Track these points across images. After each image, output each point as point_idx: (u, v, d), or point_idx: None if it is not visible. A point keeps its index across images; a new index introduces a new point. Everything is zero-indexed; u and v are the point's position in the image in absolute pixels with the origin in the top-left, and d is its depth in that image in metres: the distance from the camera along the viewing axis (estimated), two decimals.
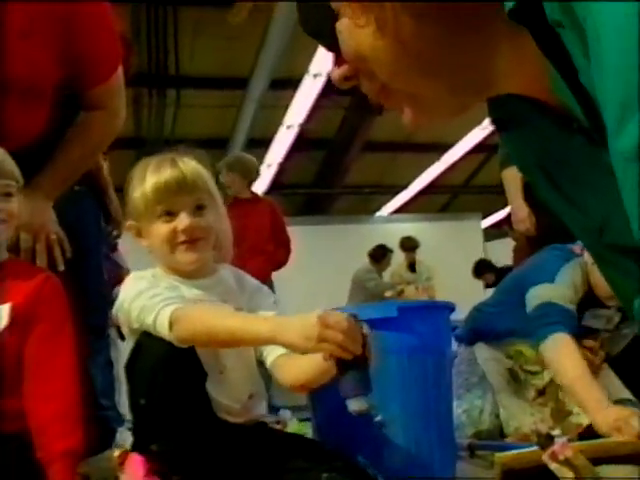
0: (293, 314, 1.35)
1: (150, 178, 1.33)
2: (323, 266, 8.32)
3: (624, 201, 0.48)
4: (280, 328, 1.15)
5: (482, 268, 7.40)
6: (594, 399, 1.68)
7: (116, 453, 1.09)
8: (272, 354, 1.36)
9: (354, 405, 1.13)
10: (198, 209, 1.34)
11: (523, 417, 1.99)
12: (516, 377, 2.15)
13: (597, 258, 0.72)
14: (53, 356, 1.33)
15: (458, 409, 2.04)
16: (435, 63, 0.64)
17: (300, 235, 8.86)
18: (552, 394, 2.06)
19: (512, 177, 3.05)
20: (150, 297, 1.26)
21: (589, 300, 1.97)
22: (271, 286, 4.17)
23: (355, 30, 0.64)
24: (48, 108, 1.67)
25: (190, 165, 1.35)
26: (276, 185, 9.32)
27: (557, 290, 1.92)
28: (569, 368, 1.76)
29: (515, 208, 3.12)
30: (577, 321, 1.91)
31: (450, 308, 1.66)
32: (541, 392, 2.10)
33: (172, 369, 1.22)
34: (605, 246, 0.67)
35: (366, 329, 1.14)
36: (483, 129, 8.10)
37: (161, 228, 1.33)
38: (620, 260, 0.65)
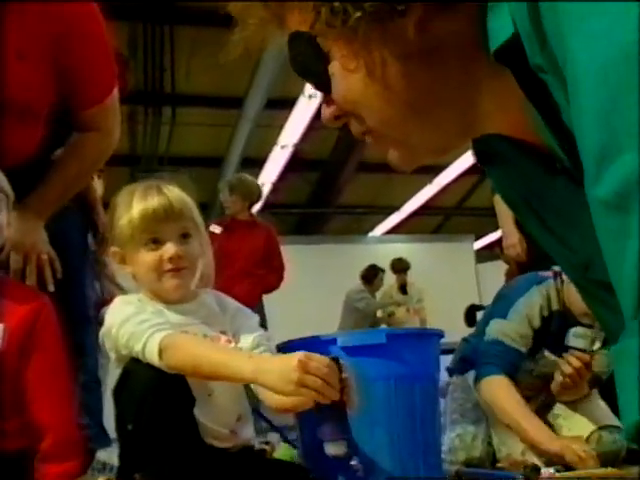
0: (285, 334, 1.37)
1: (137, 205, 1.34)
2: (316, 286, 8.32)
3: (602, 248, 0.49)
4: (262, 370, 1.16)
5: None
6: (541, 433, 1.82)
7: None
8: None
9: (331, 449, 1.15)
10: (184, 237, 1.36)
11: (514, 443, 1.99)
12: None
13: (583, 292, 0.73)
14: (53, 386, 1.36)
15: (451, 433, 2.04)
16: (422, 107, 0.65)
17: (293, 254, 8.86)
18: (541, 419, 2.07)
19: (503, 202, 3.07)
20: (138, 323, 1.26)
21: (568, 319, 2.01)
22: (261, 308, 4.16)
23: (345, 75, 0.64)
24: (42, 128, 1.67)
25: (175, 193, 1.36)
26: (269, 204, 9.33)
27: (505, 326, 1.99)
28: (508, 409, 1.87)
29: (506, 233, 3.14)
30: (520, 358, 1.99)
31: (439, 335, 1.67)
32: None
33: (160, 395, 1.22)
34: (590, 281, 0.68)
35: (346, 373, 1.16)
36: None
37: (147, 256, 1.34)
38: (606, 296, 0.65)
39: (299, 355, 1.13)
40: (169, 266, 1.33)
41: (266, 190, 8.79)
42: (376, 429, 1.44)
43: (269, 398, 1.32)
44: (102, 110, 1.64)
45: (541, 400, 2.13)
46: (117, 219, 1.37)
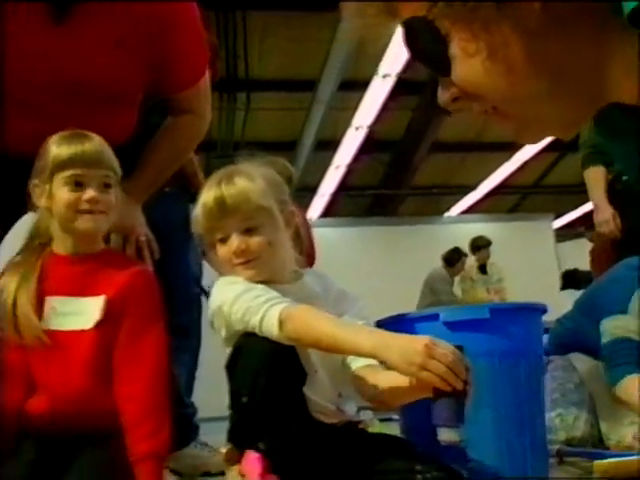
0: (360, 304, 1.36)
1: (201, 199, 1.36)
2: (391, 267, 8.27)
3: None
4: (383, 346, 1.15)
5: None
6: None
7: (223, 450, 1.10)
8: (355, 362, 1.36)
9: (444, 435, 1.13)
10: (248, 231, 1.34)
11: (624, 428, 1.92)
12: None
13: None
14: (141, 353, 1.35)
15: (551, 412, 1.99)
16: (549, 82, 0.63)
17: (368, 236, 8.88)
18: None
19: (595, 176, 2.95)
20: (254, 297, 1.27)
21: None
22: None
23: (466, 58, 0.63)
24: (136, 113, 1.70)
25: (236, 187, 1.33)
26: (344, 186, 9.33)
27: (630, 323, 1.89)
28: None
29: (599, 208, 3.01)
30: None
31: (542, 309, 1.62)
32: None
33: (274, 369, 1.22)
34: None
35: (468, 363, 1.13)
36: None
37: (220, 251, 1.37)
38: None
39: (425, 339, 1.11)
40: (237, 260, 1.34)
41: (340, 172, 8.80)
42: (480, 407, 1.41)
43: (365, 388, 1.33)
44: (195, 92, 1.66)
45: None
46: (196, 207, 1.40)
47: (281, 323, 1.21)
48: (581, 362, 2.14)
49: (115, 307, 1.36)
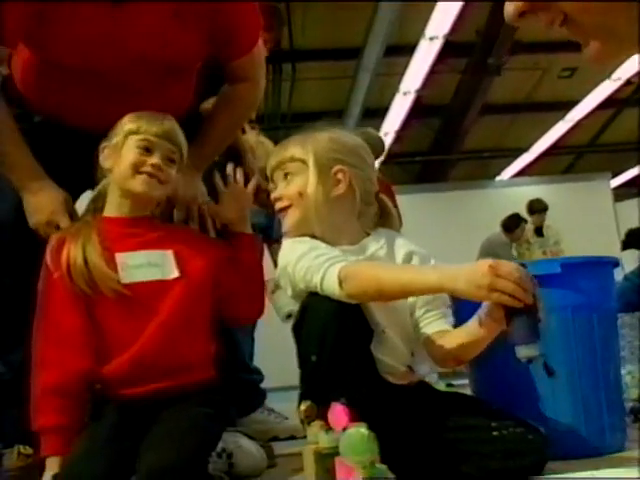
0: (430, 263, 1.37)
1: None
2: (444, 233, 8.18)
3: None
4: (449, 277, 1.16)
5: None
6: None
7: (302, 407, 1.10)
8: (426, 329, 1.37)
9: (524, 351, 1.14)
10: (284, 178, 1.42)
11: None
12: None
13: None
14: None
15: (622, 370, 1.93)
16: None
17: (419, 203, 8.79)
18: None
19: None
20: (315, 257, 1.28)
21: None
22: None
23: None
24: (195, 82, 1.71)
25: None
26: (393, 154, 9.23)
27: None
28: None
29: None
30: None
31: (614, 263, 1.57)
32: None
33: (341, 327, 1.23)
34: None
35: (534, 278, 1.15)
36: (613, 82, 7.62)
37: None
38: None
39: (489, 261, 1.13)
40: (277, 206, 1.43)
41: (389, 139, 8.71)
42: (555, 362, 1.38)
43: (436, 351, 1.34)
44: (250, 60, 1.66)
45: None
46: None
47: (341, 281, 1.22)
48: None
49: (188, 261, 1.41)
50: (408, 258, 1.43)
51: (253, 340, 2.37)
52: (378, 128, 8.38)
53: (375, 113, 7.99)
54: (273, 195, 1.43)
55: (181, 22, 1.50)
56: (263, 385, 2.29)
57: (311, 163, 1.38)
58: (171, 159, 1.44)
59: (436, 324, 1.36)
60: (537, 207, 6.52)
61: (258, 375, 2.29)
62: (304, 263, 1.28)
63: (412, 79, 7.21)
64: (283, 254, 1.36)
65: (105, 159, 1.45)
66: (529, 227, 6.62)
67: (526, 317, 1.13)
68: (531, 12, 0.66)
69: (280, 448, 1.83)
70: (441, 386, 2.14)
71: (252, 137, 2.44)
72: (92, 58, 1.48)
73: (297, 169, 1.40)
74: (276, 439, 2.13)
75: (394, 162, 9.59)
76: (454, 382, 2.51)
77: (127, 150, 1.41)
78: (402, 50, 6.76)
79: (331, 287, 1.23)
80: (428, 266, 1.36)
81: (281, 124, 7.76)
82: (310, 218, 1.38)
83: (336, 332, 1.23)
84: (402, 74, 7.15)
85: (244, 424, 2.07)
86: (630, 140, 9.45)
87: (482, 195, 8.98)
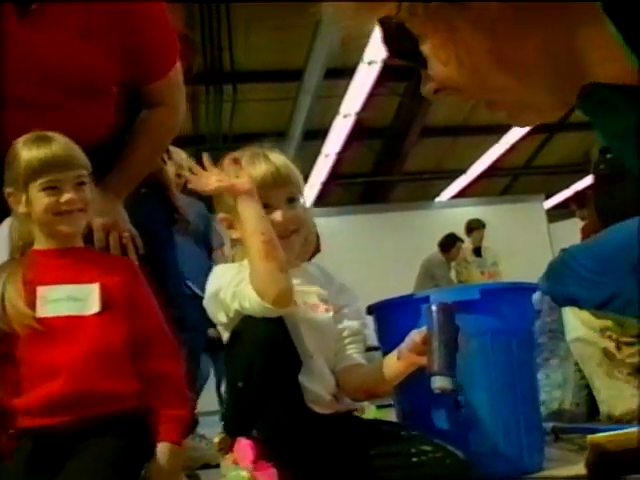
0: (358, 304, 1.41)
1: (250, 169, 1.38)
2: (384, 254, 8.29)
3: None
4: None
5: None
6: None
7: (216, 439, 1.10)
8: (344, 360, 1.40)
9: (439, 382, 1.16)
10: (290, 202, 1.39)
11: (619, 401, 1.91)
12: (611, 356, 2.04)
13: None
14: (163, 340, 1.40)
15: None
16: (525, 71, 0.63)
17: (360, 224, 8.87)
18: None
19: None
20: (239, 282, 1.29)
21: None
22: None
23: (438, 63, 0.64)
24: (111, 107, 1.69)
25: (281, 159, 1.40)
26: (335, 175, 9.32)
27: None
28: None
29: None
30: None
31: (533, 289, 1.62)
32: (638, 369, 2.00)
33: (269, 355, 1.24)
34: None
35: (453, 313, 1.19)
36: None
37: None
38: None
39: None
40: (277, 230, 1.35)
41: (330, 161, 8.78)
42: (474, 386, 1.42)
43: (347, 384, 1.36)
44: (167, 84, 1.66)
45: None
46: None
47: (259, 293, 1.24)
48: (573, 330, 2.03)
49: (113, 294, 1.38)
50: (342, 289, 1.48)
51: (191, 369, 2.35)
52: (319, 149, 8.46)
53: (316, 134, 8.06)
54: (279, 219, 1.37)
55: (90, 43, 1.49)
56: (198, 409, 2.27)
57: (304, 192, 1.44)
58: (80, 182, 1.39)
59: (354, 357, 1.40)
60: (474, 225, 6.69)
61: (190, 403, 2.27)
62: (231, 288, 1.29)
63: (352, 102, 7.31)
64: (213, 280, 1.36)
65: (15, 205, 1.39)
66: (467, 247, 6.78)
67: (443, 350, 1.16)
68: (443, 91, 0.69)
69: (212, 475, 1.82)
70: (371, 410, 2.16)
71: (171, 168, 2.45)
72: (5, 70, 1.45)
73: (299, 196, 1.42)
74: (207, 466, 2.11)
75: (336, 183, 9.69)
76: (385, 403, 2.53)
77: (34, 196, 1.36)
78: (342, 73, 6.85)
79: (258, 305, 1.24)
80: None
81: (222, 145, 7.74)
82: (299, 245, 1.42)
83: (264, 359, 1.24)
84: (342, 97, 7.24)
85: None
86: (563, 163, 9.78)
87: (423, 216, 9.15)
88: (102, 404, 1.31)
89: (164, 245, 2.15)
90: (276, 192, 1.37)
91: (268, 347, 1.24)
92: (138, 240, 1.67)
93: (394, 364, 1.27)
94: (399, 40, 0.67)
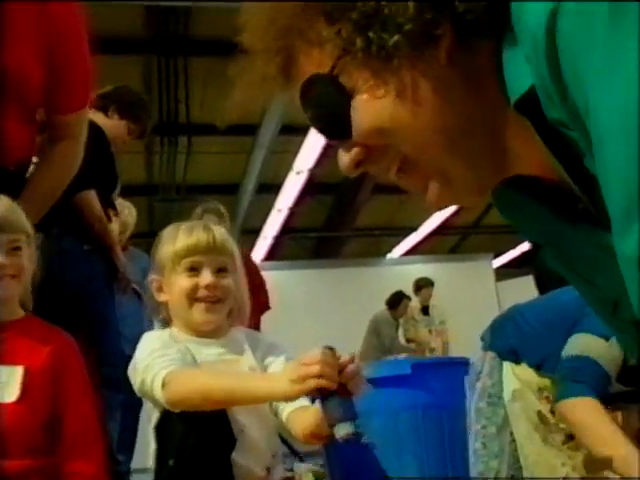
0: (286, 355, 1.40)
1: (182, 236, 1.39)
2: (335, 309, 8.29)
3: (632, 301, 0.49)
4: (272, 382, 1.19)
5: None
6: None
7: None
8: (286, 410, 1.36)
9: (341, 430, 1.14)
10: (220, 271, 1.39)
11: (552, 468, 1.92)
12: (545, 420, 2.05)
13: (616, 331, 0.70)
14: (84, 416, 1.36)
15: (472, 469, 1.98)
16: (454, 136, 0.63)
17: (312, 278, 8.89)
18: None
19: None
20: (159, 356, 1.28)
21: None
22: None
23: (373, 102, 0.62)
24: (35, 133, 1.68)
25: (220, 231, 1.43)
26: (287, 229, 9.36)
27: (599, 344, 1.80)
28: (605, 435, 1.68)
29: None
30: (609, 383, 1.80)
31: (464, 363, 1.66)
32: (571, 436, 2.01)
33: (202, 433, 1.22)
34: (622, 320, 0.66)
35: (344, 359, 1.16)
36: None
37: (184, 282, 1.37)
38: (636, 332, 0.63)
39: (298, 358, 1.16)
40: (204, 293, 1.36)
41: (283, 215, 8.83)
42: (406, 459, 1.43)
43: (297, 427, 1.32)
44: (79, 117, 1.70)
45: None
46: (160, 249, 1.42)
47: (164, 386, 1.22)
48: (512, 393, 2.02)
49: (39, 379, 1.33)
50: (270, 348, 1.46)
51: (128, 429, 2.31)
52: (273, 203, 8.51)
53: (270, 189, 8.12)
54: (207, 282, 1.36)
55: (22, 43, 1.51)
56: (135, 465, 2.23)
57: (238, 265, 1.44)
58: (15, 247, 1.35)
59: (297, 401, 1.34)
60: (422, 283, 6.77)
61: (124, 465, 2.22)
62: (148, 361, 1.28)
63: (305, 158, 7.41)
64: (139, 349, 1.35)
65: None
66: (415, 305, 6.84)
67: (338, 396, 1.14)
68: (368, 161, 0.67)
69: None
70: (309, 477, 2.14)
71: (115, 226, 2.44)
72: None
73: (231, 267, 1.42)
74: None
75: (288, 237, 9.72)
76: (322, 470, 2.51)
77: None
78: (297, 130, 6.96)
79: (157, 391, 1.23)
80: (257, 374, 1.36)
81: (176, 196, 7.74)
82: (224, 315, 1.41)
83: (197, 438, 1.22)
84: (296, 153, 7.34)
85: None
86: (509, 223, 9.99)
87: (373, 272, 9.21)
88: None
89: (103, 304, 2.14)
90: (208, 258, 1.38)
91: (202, 425, 1.23)
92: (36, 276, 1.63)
93: None
94: (328, 100, 0.65)
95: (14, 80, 1.54)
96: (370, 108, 0.63)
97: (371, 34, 0.60)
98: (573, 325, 1.91)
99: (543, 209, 0.69)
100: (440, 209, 0.72)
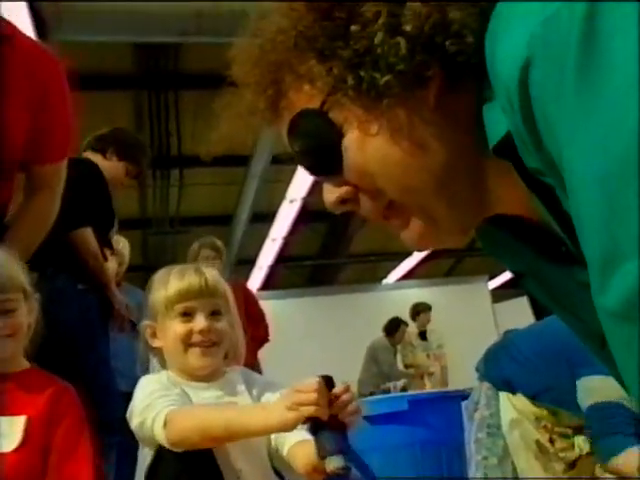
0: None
1: (173, 281, 1.39)
2: (332, 336, 8.26)
3: (614, 355, 0.49)
4: (268, 411, 1.17)
5: None
6: None
7: None
8: (287, 444, 1.35)
9: (331, 464, 1.11)
10: (214, 314, 1.39)
11: None
12: (544, 450, 2.04)
13: (606, 363, 0.71)
14: (77, 468, 1.34)
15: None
16: (442, 178, 0.63)
17: (308, 306, 8.87)
18: (585, 468, 1.97)
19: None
20: (158, 397, 1.28)
21: None
22: (258, 365, 4.12)
23: (365, 142, 0.63)
24: (13, 184, 1.70)
25: (212, 273, 1.42)
26: (282, 258, 9.35)
27: (612, 384, 1.78)
28: None
29: None
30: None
31: (462, 396, 1.65)
32: (572, 465, 2.00)
33: (196, 474, 1.21)
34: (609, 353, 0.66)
35: (338, 389, 1.15)
36: None
37: (178, 327, 1.37)
38: None
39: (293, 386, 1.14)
40: (198, 338, 1.36)
41: (277, 244, 8.83)
42: None
43: (298, 461, 1.31)
44: (58, 168, 1.72)
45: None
46: (152, 293, 1.42)
47: (166, 424, 1.21)
48: (510, 423, 2.01)
49: (37, 428, 1.32)
50: (266, 387, 1.45)
51: (123, 471, 2.28)
52: (267, 233, 8.52)
53: (264, 218, 8.12)
54: (201, 327, 1.36)
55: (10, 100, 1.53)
56: None
57: (233, 307, 1.43)
58: (8, 310, 1.35)
59: (298, 434, 1.32)
60: (420, 308, 6.75)
61: None
62: (149, 401, 1.28)
63: (298, 187, 7.43)
64: (137, 391, 1.35)
65: None
66: (413, 330, 6.82)
67: (329, 429, 1.12)
68: (351, 201, 0.68)
69: None
70: None
71: (112, 264, 2.45)
72: None
73: (225, 310, 1.41)
74: None
75: (284, 266, 9.72)
76: None
77: None
78: (289, 159, 6.97)
79: (158, 430, 1.22)
80: (253, 404, 1.36)
81: (170, 229, 7.74)
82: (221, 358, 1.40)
83: (189, 479, 1.21)
84: (289, 182, 7.36)
85: None
86: None
87: (370, 298, 9.19)
88: None
89: (95, 345, 2.13)
90: (201, 302, 1.38)
91: (195, 464, 1.22)
92: None
93: None
94: (318, 135, 0.65)
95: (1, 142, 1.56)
96: (361, 148, 0.63)
97: (362, 73, 0.60)
98: (568, 357, 1.90)
99: (525, 247, 0.71)
100: (420, 250, 0.72)
